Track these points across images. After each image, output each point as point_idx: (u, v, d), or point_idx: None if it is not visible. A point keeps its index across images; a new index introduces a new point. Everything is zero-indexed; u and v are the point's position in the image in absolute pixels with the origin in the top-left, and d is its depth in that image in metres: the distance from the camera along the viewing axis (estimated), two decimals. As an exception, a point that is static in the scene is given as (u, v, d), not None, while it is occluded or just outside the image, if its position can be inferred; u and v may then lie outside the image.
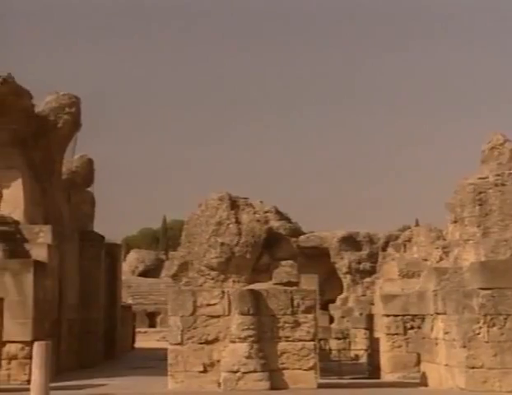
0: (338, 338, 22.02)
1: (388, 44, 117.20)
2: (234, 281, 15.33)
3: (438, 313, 14.51)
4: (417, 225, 28.96)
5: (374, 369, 17.87)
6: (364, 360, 20.33)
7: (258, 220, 15.80)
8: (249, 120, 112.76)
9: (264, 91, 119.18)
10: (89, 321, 22.82)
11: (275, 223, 23.18)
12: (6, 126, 20.34)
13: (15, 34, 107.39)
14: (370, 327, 18.97)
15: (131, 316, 34.52)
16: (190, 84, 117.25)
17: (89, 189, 27.25)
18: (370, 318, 19.02)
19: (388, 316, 16.91)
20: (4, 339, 15.96)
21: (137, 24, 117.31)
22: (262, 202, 17.64)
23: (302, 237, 27.11)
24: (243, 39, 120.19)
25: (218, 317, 14.26)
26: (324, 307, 24.96)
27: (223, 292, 14.42)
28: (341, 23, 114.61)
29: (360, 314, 22.56)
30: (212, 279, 15.39)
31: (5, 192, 20.07)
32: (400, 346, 16.77)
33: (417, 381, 15.52)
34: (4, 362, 16.24)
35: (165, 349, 15.44)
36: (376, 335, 17.95)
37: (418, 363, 16.17)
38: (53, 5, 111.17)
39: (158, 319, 46.44)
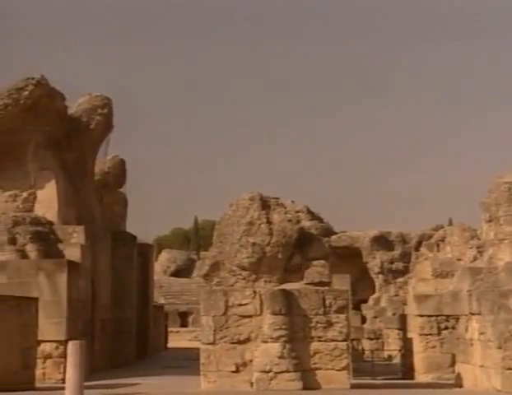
0: (371, 338, 21.87)
1: (422, 38, 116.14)
2: (265, 281, 15.30)
3: (472, 314, 14.31)
4: (451, 224, 28.59)
5: (407, 370, 17.69)
6: (397, 360, 20.15)
7: (290, 220, 15.73)
8: (279, 120, 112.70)
9: (294, 90, 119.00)
10: (122, 320, 23.01)
11: (306, 223, 23.06)
12: (39, 128, 20.61)
13: (47, 36, 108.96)
14: (403, 328, 18.79)
15: (163, 316, 34.76)
16: (221, 84, 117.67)
17: (121, 190, 27.48)
18: (403, 318, 18.84)
19: (421, 316, 16.73)
20: (39, 338, 16.13)
21: (167, 23, 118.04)
22: (293, 202, 17.57)
23: (334, 237, 26.97)
24: (275, 39, 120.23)
25: (250, 317, 14.25)
26: (356, 307, 24.80)
27: (255, 292, 14.41)
28: (376, 19, 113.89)
29: (393, 314, 22.38)
30: (244, 279, 15.37)
31: (39, 193, 20.33)
32: (434, 347, 16.57)
33: (452, 382, 15.34)
34: (39, 361, 16.43)
35: (197, 348, 15.49)
36: (409, 335, 17.77)
37: (453, 364, 15.97)
38: (84, 6, 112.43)
39: (190, 319, 46.64)
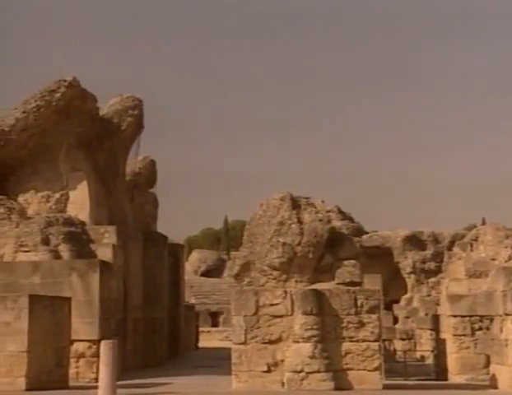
0: (403, 339, 21.68)
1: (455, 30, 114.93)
2: (296, 281, 15.24)
3: (507, 314, 14.07)
4: (484, 223, 28.21)
5: (440, 371, 17.49)
6: (430, 361, 19.93)
7: (320, 220, 15.65)
8: (309, 120, 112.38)
9: (324, 91, 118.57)
10: (153, 320, 23.12)
11: (337, 222, 23.00)
12: (71, 129, 20.82)
13: (79, 38, 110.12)
14: (435, 328, 18.58)
15: (194, 316, 34.86)
16: (252, 85, 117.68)
17: (152, 190, 27.63)
18: (436, 318, 18.64)
19: (455, 316, 16.53)
20: (72, 338, 16.27)
21: (198, 23, 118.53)
22: (323, 202, 17.48)
23: (365, 236, 26.78)
24: (311, 39, 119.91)
25: (281, 317, 14.21)
26: (388, 307, 24.60)
27: (285, 292, 14.36)
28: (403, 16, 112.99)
29: (426, 315, 22.16)
30: (274, 279, 15.33)
31: (71, 194, 20.53)
32: (468, 348, 16.36)
33: (486, 383, 15.10)
34: (72, 360, 16.57)
35: (228, 348, 15.49)
36: (442, 336, 17.57)
37: (487, 365, 15.74)
38: (117, 7, 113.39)
39: (221, 319, 46.72)
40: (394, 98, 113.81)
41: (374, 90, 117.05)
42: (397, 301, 26.02)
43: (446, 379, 16.75)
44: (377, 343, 14.09)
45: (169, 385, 15.84)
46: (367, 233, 27.74)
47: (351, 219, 26.03)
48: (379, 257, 26.14)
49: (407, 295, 26.46)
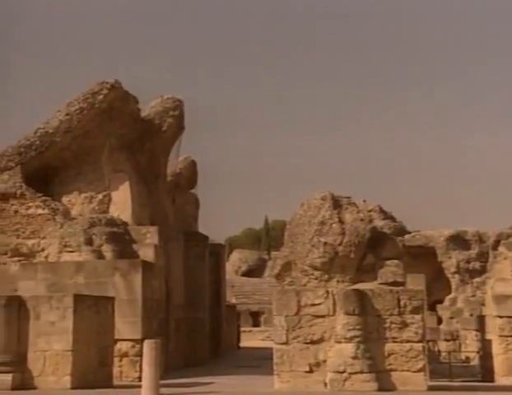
0: (447, 340, 21.32)
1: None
2: (338, 281, 15.13)
3: (556, 315, 13.74)
4: (530, 222, 27.56)
5: (486, 373, 17.16)
6: (475, 362, 19.57)
7: (362, 220, 15.51)
8: (348, 119, 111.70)
9: (367, 90, 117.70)
10: (195, 320, 23.25)
11: (379, 222, 22.76)
12: (114, 131, 21.07)
13: (122, 39, 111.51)
14: (481, 329, 18.24)
15: (235, 315, 34.92)
16: (288, 86, 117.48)
17: (193, 191, 27.78)
18: (481, 319, 18.29)
19: (501, 317, 16.20)
20: (115, 337, 16.44)
21: (235, 24, 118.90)
22: (365, 201, 17.33)
23: (407, 236, 26.45)
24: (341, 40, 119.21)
25: (323, 317, 14.12)
26: (432, 307, 24.24)
27: (327, 292, 14.27)
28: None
29: (471, 315, 21.76)
30: (316, 279, 15.24)
31: (114, 194, 20.78)
32: (515, 349, 16.00)
33: (534, 385, 14.76)
34: (116, 359, 16.74)
35: (270, 348, 15.45)
36: (488, 337, 17.23)
37: (535, 366, 15.37)
38: (160, 9, 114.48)
39: (262, 319, 46.74)
40: (433, 92, 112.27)
41: (414, 85, 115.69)
42: (440, 301, 25.62)
43: (492, 381, 16.42)
44: (421, 344, 13.89)
45: (211, 385, 15.89)
46: (409, 232, 27.39)
47: (392, 218, 25.74)
48: (423, 257, 25.78)
49: (451, 296, 26.03)
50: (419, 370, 13.77)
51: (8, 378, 14.30)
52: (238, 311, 38.27)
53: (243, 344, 34.90)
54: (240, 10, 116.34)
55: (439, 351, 20.97)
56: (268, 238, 72.70)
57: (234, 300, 45.42)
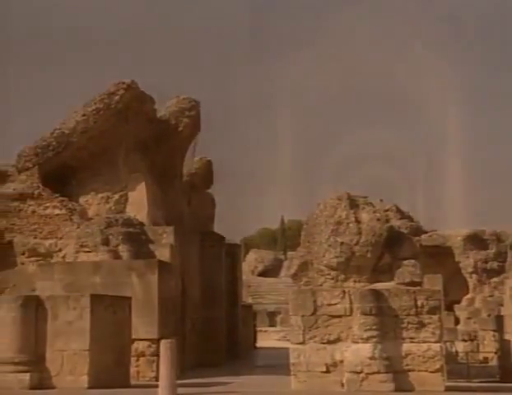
0: (465, 340, 21.17)
1: None
2: (354, 281, 15.08)
3: None
4: (548, 221, 27.32)
5: (504, 373, 17.04)
6: (494, 363, 19.42)
7: (379, 219, 15.44)
8: (361, 119, 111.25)
9: (385, 90, 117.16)
10: (211, 320, 23.27)
11: (396, 222, 22.61)
12: (130, 131, 21.16)
13: (138, 40, 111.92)
14: (499, 329, 18.11)
15: (252, 315, 34.92)
16: (302, 88, 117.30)
17: (209, 191, 27.82)
18: (500, 319, 18.16)
19: (519, 317, 16.05)
20: (132, 337, 16.49)
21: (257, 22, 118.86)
22: (382, 201, 17.25)
23: (424, 236, 26.28)
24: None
25: (339, 317, 14.06)
26: (449, 308, 24.08)
27: (344, 292, 14.21)
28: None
29: (489, 316, 21.58)
30: (332, 279, 15.20)
31: (130, 195, 20.87)
32: (533, 349, 15.87)
33: (553, 386, 14.63)
34: (133, 359, 16.79)
35: (286, 348, 15.43)
36: (507, 337, 17.11)
37: (554, 367, 15.23)
38: (177, 9, 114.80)
39: (278, 319, 46.72)
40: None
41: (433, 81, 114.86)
42: (458, 302, 25.45)
43: (511, 382, 16.29)
44: (438, 344, 13.80)
45: (228, 384, 15.88)
46: (426, 232, 27.23)
47: (410, 218, 25.59)
48: (439, 257, 25.61)
49: (469, 296, 25.83)
50: (437, 370, 13.67)
51: (26, 377, 14.39)
52: (254, 311, 38.28)
53: (259, 344, 34.89)
54: (263, 9, 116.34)
55: (456, 352, 20.84)
56: (284, 238, 72.70)
57: (250, 300, 45.46)
